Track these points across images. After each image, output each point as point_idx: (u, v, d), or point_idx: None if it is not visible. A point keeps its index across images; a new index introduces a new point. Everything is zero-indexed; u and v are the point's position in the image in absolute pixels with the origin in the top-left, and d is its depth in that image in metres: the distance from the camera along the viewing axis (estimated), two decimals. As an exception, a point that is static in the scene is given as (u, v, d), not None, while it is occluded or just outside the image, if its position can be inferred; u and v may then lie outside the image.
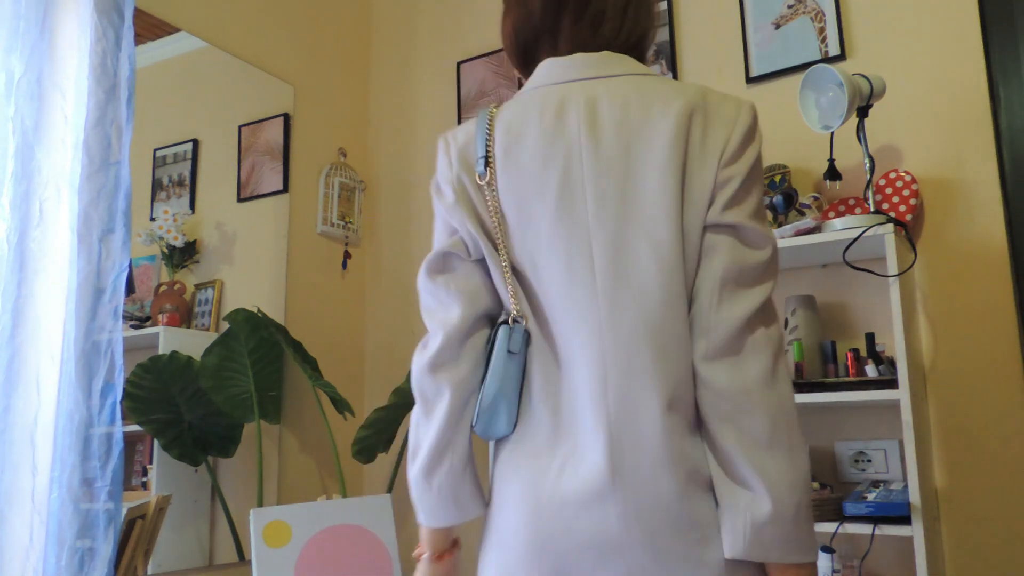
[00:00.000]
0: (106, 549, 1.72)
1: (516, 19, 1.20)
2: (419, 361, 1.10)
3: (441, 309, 1.11)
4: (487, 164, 1.12)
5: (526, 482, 1.04)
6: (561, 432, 1.05)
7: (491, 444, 1.17)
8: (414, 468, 1.10)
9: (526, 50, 1.20)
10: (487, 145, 1.12)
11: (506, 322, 1.08)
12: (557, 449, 1.05)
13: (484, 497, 1.13)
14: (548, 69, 1.15)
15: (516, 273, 1.10)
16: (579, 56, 1.13)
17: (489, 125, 1.14)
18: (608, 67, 1.12)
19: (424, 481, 1.09)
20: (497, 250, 1.10)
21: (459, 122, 3.09)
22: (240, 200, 2.70)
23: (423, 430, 1.09)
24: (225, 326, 2.49)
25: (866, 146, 2.11)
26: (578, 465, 1.02)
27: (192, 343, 2.43)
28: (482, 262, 1.12)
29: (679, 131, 1.04)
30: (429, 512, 1.11)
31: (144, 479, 2.31)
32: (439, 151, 1.19)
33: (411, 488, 1.11)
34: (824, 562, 1.96)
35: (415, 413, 1.11)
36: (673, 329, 1.01)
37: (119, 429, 1.80)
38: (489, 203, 1.11)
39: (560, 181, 1.07)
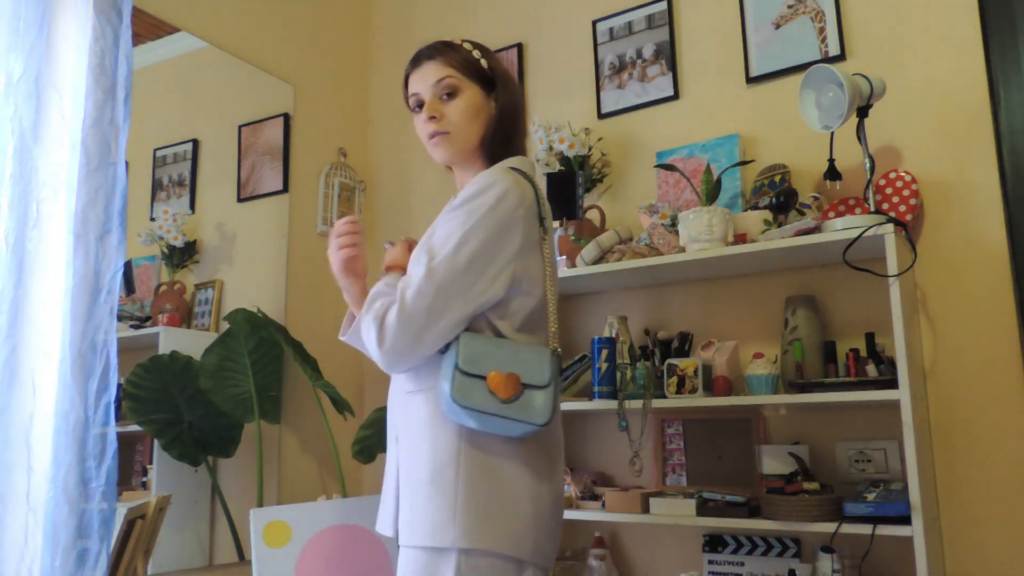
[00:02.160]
0: (102, 550, 1.71)
1: (514, 115, 1.63)
2: None
3: None
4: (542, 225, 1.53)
5: (548, 476, 1.48)
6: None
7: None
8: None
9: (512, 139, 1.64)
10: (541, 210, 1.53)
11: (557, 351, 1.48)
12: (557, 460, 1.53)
13: None
14: (531, 164, 1.63)
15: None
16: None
17: (538, 195, 1.54)
18: None
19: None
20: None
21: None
22: (240, 200, 2.71)
23: None
24: (225, 326, 2.49)
25: (866, 146, 2.11)
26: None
27: (192, 343, 2.44)
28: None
29: None
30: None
31: (144, 479, 2.31)
32: (526, 192, 1.49)
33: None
34: (824, 562, 1.96)
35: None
36: None
37: (113, 429, 1.80)
38: (546, 254, 1.52)
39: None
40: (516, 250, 1.45)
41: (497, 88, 1.60)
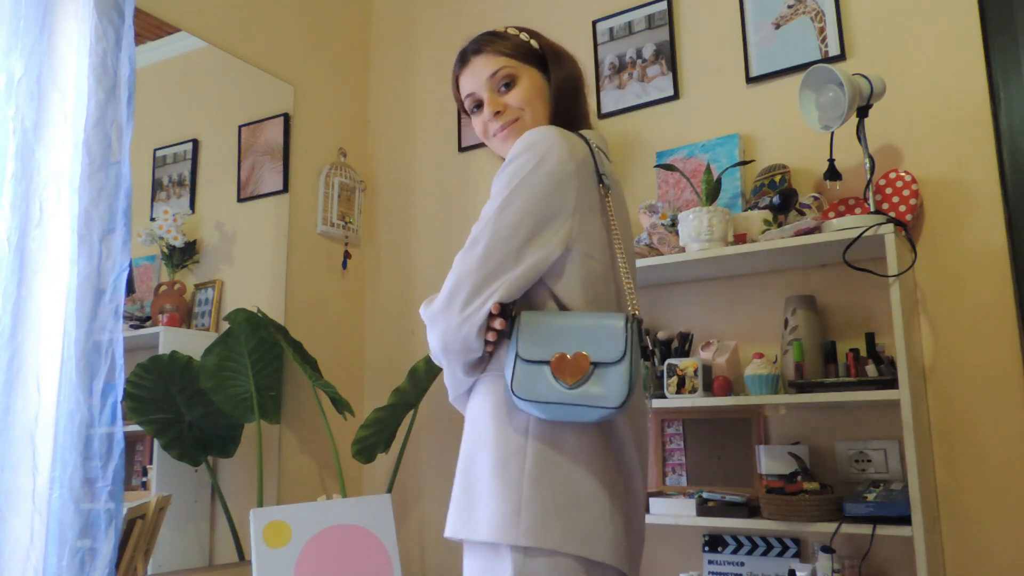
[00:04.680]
0: (107, 549, 1.71)
1: (574, 91, 1.54)
2: None
3: None
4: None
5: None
6: None
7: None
8: None
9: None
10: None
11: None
12: None
13: None
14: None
15: None
16: None
17: (594, 153, 1.43)
18: None
19: None
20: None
21: (459, 122, 3.09)
22: (240, 200, 2.70)
23: None
24: (225, 326, 2.48)
25: (866, 146, 2.11)
26: None
27: (192, 343, 2.43)
28: None
29: None
30: None
31: (144, 479, 2.31)
32: (577, 147, 1.38)
33: None
34: (824, 562, 1.96)
35: None
36: None
37: (120, 429, 1.80)
38: (611, 213, 1.41)
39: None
40: (571, 207, 1.33)
41: (550, 66, 1.51)
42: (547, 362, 1.24)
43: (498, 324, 1.28)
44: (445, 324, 1.29)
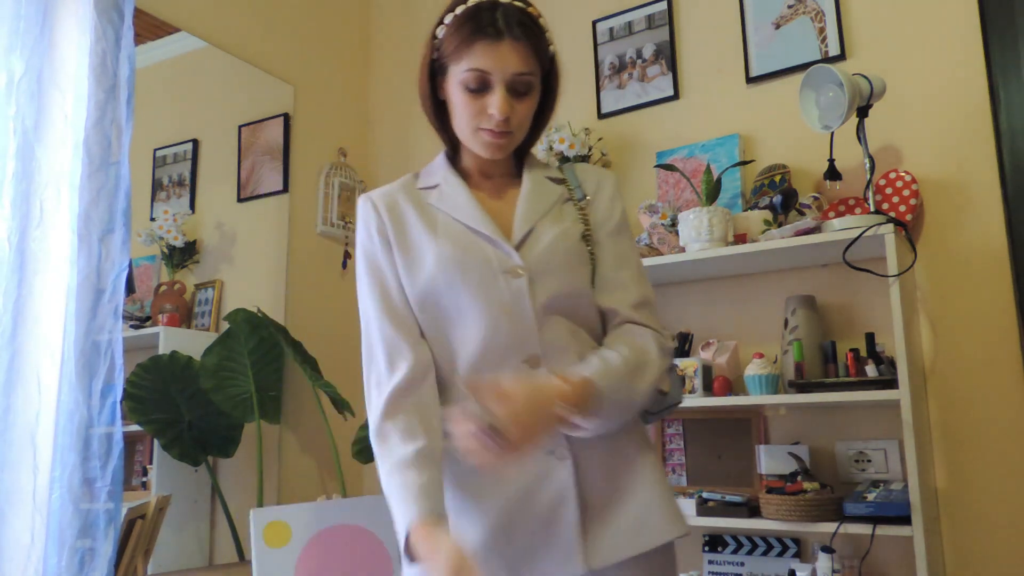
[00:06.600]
0: (106, 549, 1.71)
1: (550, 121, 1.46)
2: None
3: None
4: None
5: None
6: None
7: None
8: None
9: None
10: None
11: None
12: None
13: None
14: None
15: None
16: None
17: None
18: None
19: None
20: None
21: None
22: (240, 200, 2.70)
23: None
24: (225, 326, 2.48)
25: (866, 146, 2.11)
26: None
27: (192, 343, 2.43)
28: None
29: None
30: None
31: (144, 479, 2.31)
32: None
33: None
34: (824, 562, 1.96)
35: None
36: None
37: (119, 429, 1.80)
38: None
39: None
40: None
41: (555, 89, 1.36)
42: None
43: None
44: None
